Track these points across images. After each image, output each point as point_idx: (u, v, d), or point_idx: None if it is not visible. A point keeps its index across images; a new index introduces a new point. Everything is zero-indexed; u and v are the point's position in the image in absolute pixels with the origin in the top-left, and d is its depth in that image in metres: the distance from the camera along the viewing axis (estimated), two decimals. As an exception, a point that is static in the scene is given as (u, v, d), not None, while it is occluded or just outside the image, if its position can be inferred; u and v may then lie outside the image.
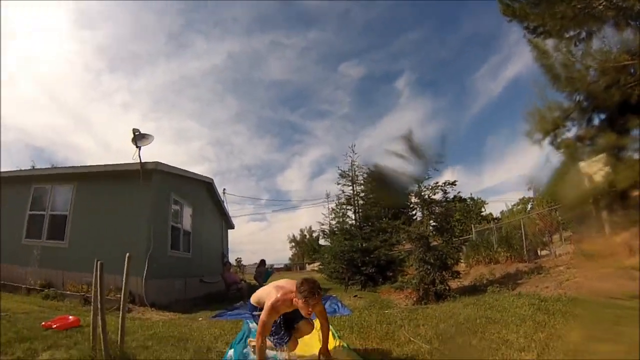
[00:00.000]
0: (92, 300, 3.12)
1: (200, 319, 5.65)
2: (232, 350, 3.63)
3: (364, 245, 10.52)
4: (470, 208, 33.18)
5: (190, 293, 9.10)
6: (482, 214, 33.41)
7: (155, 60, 67.53)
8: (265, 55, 62.65)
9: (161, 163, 7.83)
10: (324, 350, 3.18)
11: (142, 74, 68.44)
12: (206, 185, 11.72)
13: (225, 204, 16.04)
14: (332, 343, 3.99)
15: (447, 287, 6.37)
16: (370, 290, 9.20)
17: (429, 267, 6.34)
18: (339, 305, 6.66)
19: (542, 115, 3.68)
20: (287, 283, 3.08)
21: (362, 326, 4.34)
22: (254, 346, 3.56)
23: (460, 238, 10.51)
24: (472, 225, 15.18)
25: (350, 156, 12.20)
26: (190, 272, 9.56)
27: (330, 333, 4.40)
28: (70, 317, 4.33)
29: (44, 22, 47.63)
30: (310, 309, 2.76)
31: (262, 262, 14.11)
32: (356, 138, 60.69)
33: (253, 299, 3.29)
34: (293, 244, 55.01)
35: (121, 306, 3.24)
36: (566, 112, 3.59)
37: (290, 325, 3.26)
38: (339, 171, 12.31)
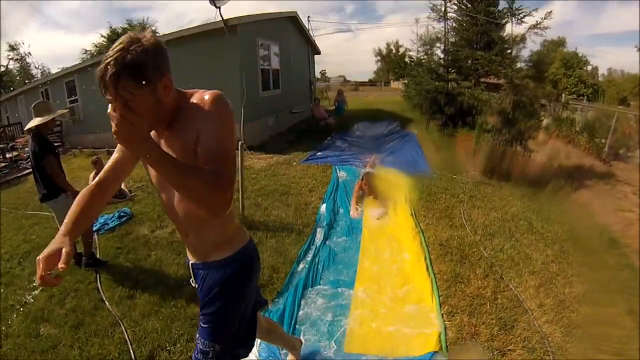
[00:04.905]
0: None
1: (294, 163, 6.50)
2: (325, 205, 4.31)
3: (449, 88, 10.12)
4: (570, 64, 27.28)
5: (282, 126, 10.20)
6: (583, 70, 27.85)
7: None
8: None
9: (243, 16, 7.93)
10: None
11: None
12: (290, 20, 11.55)
13: (310, 32, 15.61)
14: (402, 210, 4.13)
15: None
16: (449, 134, 9.29)
17: (503, 140, 5.96)
18: (419, 152, 7.01)
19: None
20: None
21: (430, 192, 4.70)
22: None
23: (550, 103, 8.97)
24: (563, 94, 12.39)
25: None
26: (281, 107, 10.37)
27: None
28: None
29: None
30: None
31: (340, 92, 14.06)
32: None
33: None
34: (378, 57, 51.24)
35: (240, 187, 3.87)
36: None
37: None
38: (430, 4, 10.75)
